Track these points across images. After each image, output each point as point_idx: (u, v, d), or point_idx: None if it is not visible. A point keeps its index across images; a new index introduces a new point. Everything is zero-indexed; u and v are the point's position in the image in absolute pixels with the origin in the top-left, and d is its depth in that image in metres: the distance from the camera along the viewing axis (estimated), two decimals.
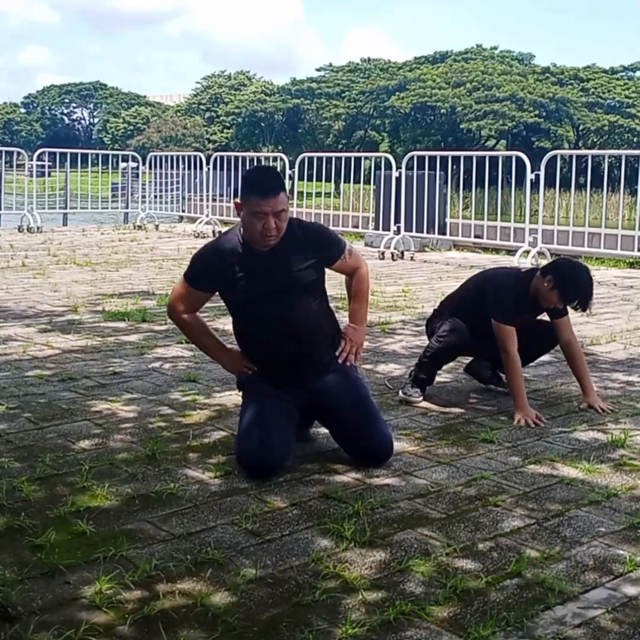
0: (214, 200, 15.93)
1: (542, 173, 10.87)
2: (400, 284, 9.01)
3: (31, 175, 16.28)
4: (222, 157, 16.49)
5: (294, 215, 4.41)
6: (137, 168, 18.85)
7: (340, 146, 55.22)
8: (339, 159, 14.60)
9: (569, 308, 4.41)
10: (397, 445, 3.80)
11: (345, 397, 3.55)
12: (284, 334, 3.47)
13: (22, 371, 4.96)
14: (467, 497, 3.24)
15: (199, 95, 69.64)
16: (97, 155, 18.54)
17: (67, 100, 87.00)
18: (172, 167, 17.31)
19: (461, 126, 52.78)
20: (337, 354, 3.62)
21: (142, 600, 2.41)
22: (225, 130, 63.98)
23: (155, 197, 17.47)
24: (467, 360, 4.90)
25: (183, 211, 17.81)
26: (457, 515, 3.07)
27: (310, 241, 3.50)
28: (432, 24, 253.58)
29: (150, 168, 17.49)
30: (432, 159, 12.58)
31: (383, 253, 11.54)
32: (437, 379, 4.67)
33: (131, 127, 70.44)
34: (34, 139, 76.96)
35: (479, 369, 4.81)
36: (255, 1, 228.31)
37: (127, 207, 18.51)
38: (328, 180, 14.83)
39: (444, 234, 12.86)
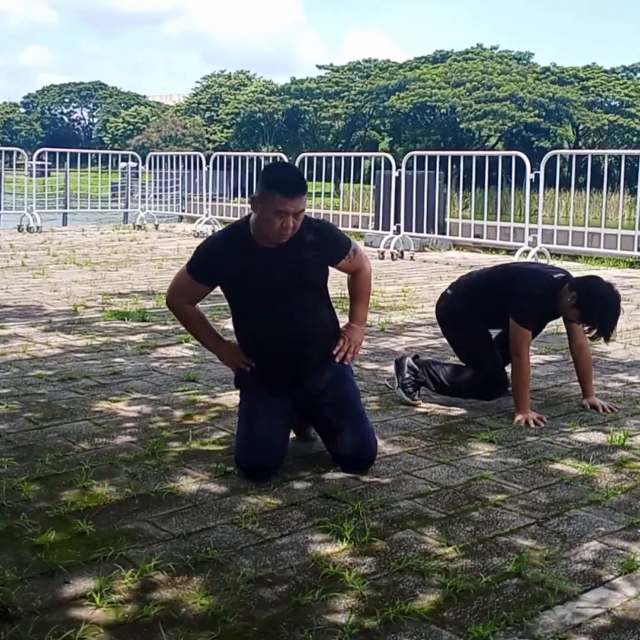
0: (213, 200, 15.94)
1: (541, 173, 10.87)
2: (400, 283, 9.01)
3: (31, 175, 16.29)
4: (221, 157, 16.50)
5: None
6: (137, 168, 18.85)
7: (340, 146, 55.19)
8: (338, 158, 14.61)
9: (586, 334, 4.23)
10: (397, 445, 3.81)
11: (334, 402, 3.50)
12: (284, 333, 3.42)
13: (22, 371, 4.96)
14: (467, 497, 3.24)
15: (199, 95, 69.61)
16: (96, 155, 18.53)
17: (67, 100, 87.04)
18: (171, 167, 17.31)
19: (461, 126, 52.78)
20: (334, 352, 3.57)
21: (142, 600, 2.41)
22: (225, 130, 63.95)
23: (155, 197, 17.48)
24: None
25: (183, 211, 17.83)
26: (457, 515, 3.07)
27: (316, 239, 3.45)
28: (432, 24, 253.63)
29: (150, 168, 17.49)
30: (432, 158, 12.58)
31: (383, 253, 11.54)
32: None
33: (131, 127, 70.41)
34: (34, 139, 76.95)
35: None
36: (255, 1, 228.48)
37: (126, 207, 18.51)
38: (328, 180, 14.83)
39: (444, 233, 12.86)
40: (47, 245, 12.21)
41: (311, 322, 3.47)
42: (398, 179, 12.52)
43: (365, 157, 16.72)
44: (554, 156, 11.68)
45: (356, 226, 13.98)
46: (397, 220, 12.18)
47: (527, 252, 10.64)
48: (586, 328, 4.23)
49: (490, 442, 3.88)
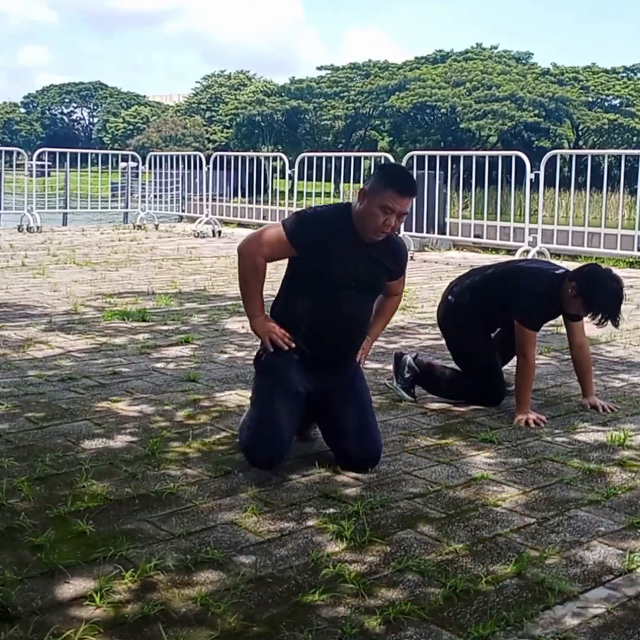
0: (213, 200, 15.93)
1: (541, 173, 10.88)
2: None
3: (31, 175, 16.28)
4: (221, 157, 16.51)
5: None
6: (137, 168, 18.86)
7: (340, 146, 55.21)
8: (338, 158, 14.61)
9: (592, 321, 4.16)
10: (398, 445, 3.81)
11: (347, 399, 3.56)
12: (339, 321, 3.51)
13: (22, 371, 4.96)
14: (467, 497, 3.24)
15: (199, 95, 69.68)
16: (96, 155, 18.52)
17: (66, 100, 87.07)
18: (171, 167, 17.31)
19: (461, 126, 52.82)
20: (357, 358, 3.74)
21: (142, 600, 2.41)
22: (225, 130, 64.00)
23: (155, 196, 17.47)
24: None
25: (183, 211, 17.82)
26: (456, 515, 3.07)
27: (395, 251, 3.67)
28: (432, 24, 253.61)
29: (150, 168, 17.49)
30: (432, 158, 12.59)
31: None
32: None
33: (131, 127, 70.49)
34: (34, 139, 76.99)
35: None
36: (255, 1, 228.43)
37: (126, 207, 18.52)
38: (328, 180, 14.85)
39: (444, 233, 12.86)
40: (47, 245, 12.21)
41: (362, 320, 3.64)
42: None
43: (365, 157, 16.71)
44: (554, 156, 11.68)
45: None
46: None
47: (527, 252, 10.65)
48: (590, 316, 4.16)
49: (490, 442, 3.88)
